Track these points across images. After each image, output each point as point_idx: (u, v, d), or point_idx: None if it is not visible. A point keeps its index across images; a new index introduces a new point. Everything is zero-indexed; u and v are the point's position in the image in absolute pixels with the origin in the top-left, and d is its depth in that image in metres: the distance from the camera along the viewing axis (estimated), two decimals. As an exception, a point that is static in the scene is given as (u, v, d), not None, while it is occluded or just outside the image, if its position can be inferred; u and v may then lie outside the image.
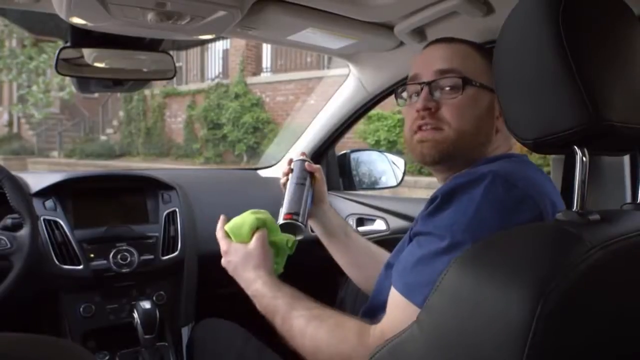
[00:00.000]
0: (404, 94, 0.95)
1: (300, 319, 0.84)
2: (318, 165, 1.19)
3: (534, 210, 0.69)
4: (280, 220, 1.08)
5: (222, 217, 1.05)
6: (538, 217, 0.69)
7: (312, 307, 0.86)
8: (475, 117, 0.85)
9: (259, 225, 1.00)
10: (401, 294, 0.73)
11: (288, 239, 1.02)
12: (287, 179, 1.17)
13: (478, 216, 0.69)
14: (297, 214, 1.08)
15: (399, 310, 0.73)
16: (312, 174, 1.17)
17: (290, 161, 1.20)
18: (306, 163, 1.18)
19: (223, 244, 1.00)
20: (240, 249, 0.97)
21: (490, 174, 0.72)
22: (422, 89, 0.87)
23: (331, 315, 0.83)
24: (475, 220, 0.69)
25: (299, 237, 1.08)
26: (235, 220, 1.02)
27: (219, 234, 1.02)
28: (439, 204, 0.74)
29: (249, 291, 0.95)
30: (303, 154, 1.24)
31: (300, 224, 1.07)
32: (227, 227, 1.02)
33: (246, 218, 1.01)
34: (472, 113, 0.85)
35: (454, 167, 0.87)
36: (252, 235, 0.99)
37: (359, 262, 1.18)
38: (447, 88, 0.86)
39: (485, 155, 0.86)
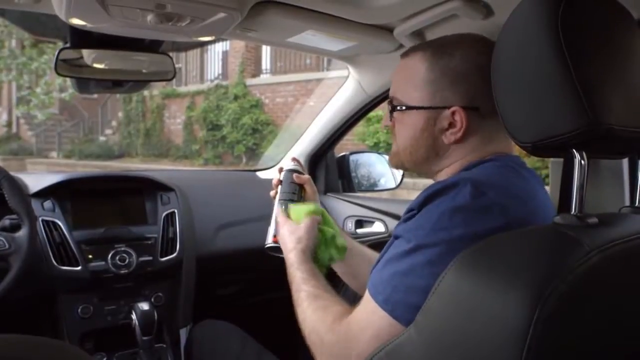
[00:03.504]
0: None
1: (304, 293, 0.91)
2: (307, 176, 1.15)
3: (499, 218, 0.69)
4: (269, 242, 1.08)
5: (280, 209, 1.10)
6: (505, 226, 0.68)
7: (318, 287, 0.92)
8: (410, 137, 0.88)
9: (317, 213, 1.06)
10: (368, 291, 0.76)
11: (336, 234, 1.07)
12: (276, 192, 1.13)
13: (441, 221, 0.70)
14: None
15: (364, 305, 0.76)
16: (301, 186, 1.13)
17: (280, 170, 1.17)
18: (294, 175, 1.13)
19: (281, 220, 1.07)
20: (292, 225, 1.04)
21: (462, 181, 0.73)
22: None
23: (326, 298, 0.89)
24: (438, 225, 0.70)
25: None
26: (299, 204, 1.09)
27: (281, 217, 1.08)
28: (414, 213, 0.76)
29: (286, 259, 1.00)
30: (294, 159, 1.19)
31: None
32: (291, 207, 1.08)
33: (309, 204, 1.08)
34: (405, 134, 0.88)
35: (427, 173, 0.92)
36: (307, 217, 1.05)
37: (354, 271, 1.18)
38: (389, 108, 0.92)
39: (446, 166, 0.87)
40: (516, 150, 0.82)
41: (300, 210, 1.06)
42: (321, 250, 1.04)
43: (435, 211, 0.72)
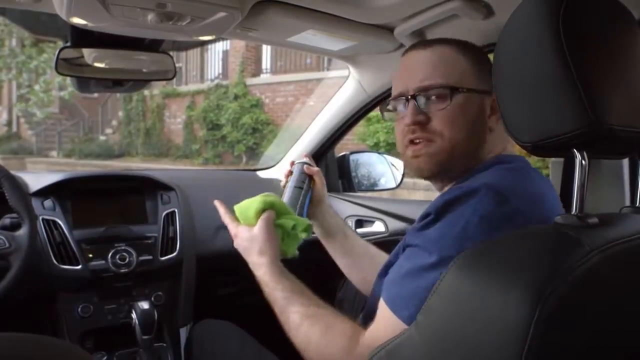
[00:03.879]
0: (390, 107, 0.92)
1: (295, 315, 0.85)
2: (317, 168, 1.19)
3: (521, 226, 0.67)
4: None
5: (218, 203, 1.06)
6: None
7: (309, 304, 0.86)
8: (467, 124, 0.83)
9: (265, 208, 0.99)
10: (387, 306, 0.73)
11: (297, 223, 1.00)
12: (287, 181, 1.18)
13: (466, 231, 0.67)
14: None
15: (384, 321, 0.73)
16: (310, 177, 1.17)
17: (292, 163, 1.21)
18: (305, 166, 1.18)
19: (231, 228, 1.01)
20: (246, 232, 0.97)
21: (483, 188, 0.70)
22: (408, 102, 0.85)
23: (325, 315, 0.84)
24: (463, 235, 0.67)
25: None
26: (243, 202, 1.03)
27: (226, 218, 1.02)
28: (430, 220, 0.73)
29: (256, 276, 0.96)
30: (306, 155, 1.24)
31: None
32: (236, 208, 1.03)
33: (253, 201, 1.00)
34: (464, 120, 0.82)
35: (451, 175, 0.87)
36: (258, 218, 0.98)
37: (357, 264, 1.19)
38: (434, 98, 0.83)
39: (482, 159, 0.84)
40: (516, 149, 0.82)
41: (248, 212, 0.99)
42: (286, 244, 1.01)
43: (459, 219, 0.69)
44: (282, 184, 1.19)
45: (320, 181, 1.18)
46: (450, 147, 0.83)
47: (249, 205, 1.00)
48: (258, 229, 0.96)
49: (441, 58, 0.85)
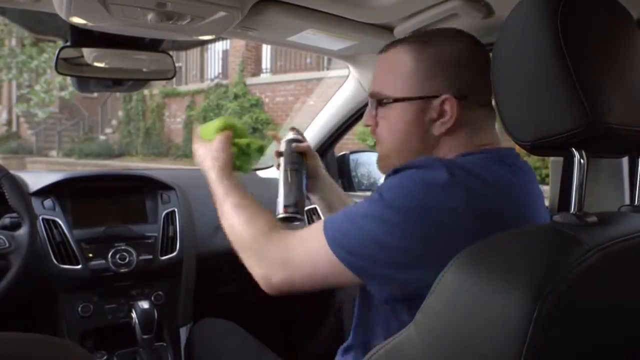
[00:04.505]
0: None
1: (227, 205, 0.95)
2: (306, 143, 1.17)
3: (460, 199, 0.69)
4: (280, 213, 1.09)
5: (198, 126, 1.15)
6: (466, 208, 0.68)
7: (244, 197, 0.96)
8: (399, 132, 0.85)
9: (225, 127, 1.08)
10: (322, 222, 0.78)
11: (251, 142, 1.09)
12: (279, 163, 1.15)
13: (405, 186, 0.71)
14: (290, 205, 1.08)
15: (311, 228, 0.79)
16: (303, 154, 1.15)
17: (278, 138, 1.20)
18: (294, 144, 1.14)
19: (194, 142, 1.11)
20: (205, 145, 1.07)
21: (435, 163, 0.72)
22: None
23: (254, 208, 0.93)
24: (402, 190, 0.71)
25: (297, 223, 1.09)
26: (206, 123, 1.12)
27: (193, 138, 1.12)
28: (389, 174, 0.76)
29: (207, 178, 1.03)
30: (293, 129, 1.20)
31: (293, 214, 1.08)
32: (200, 127, 1.12)
33: (214, 120, 1.11)
34: (401, 128, 0.84)
35: None
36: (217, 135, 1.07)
37: (329, 203, 1.22)
38: (378, 104, 0.87)
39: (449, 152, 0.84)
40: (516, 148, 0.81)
41: (209, 128, 1.09)
42: (241, 161, 1.09)
43: (403, 177, 0.72)
44: (275, 166, 1.18)
45: (312, 154, 1.18)
46: (389, 153, 0.87)
47: (210, 124, 1.10)
48: (216, 141, 1.05)
49: (390, 64, 0.86)
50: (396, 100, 0.84)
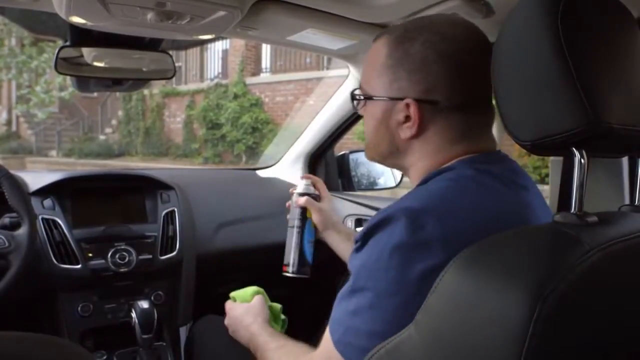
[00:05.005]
0: None
1: (274, 345, 0.93)
2: (304, 198, 1.16)
3: (437, 256, 0.62)
4: (284, 271, 1.17)
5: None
6: (446, 261, 0.56)
7: (284, 339, 0.94)
8: (372, 129, 0.82)
9: (258, 293, 1.12)
10: (329, 326, 0.75)
11: (280, 307, 1.13)
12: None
13: (380, 261, 0.66)
14: (288, 264, 1.15)
15: (324, 342, 0.75)
16: (305, 208, 1.15)
17: (292, 193, 1.20)
18: (297, 198, 1.16)
19: (228, 306, 1.13)
20: (243, 305, 1.09)
21: (399, 213, 0.66)
22: None
23: (290, 344, 0.91)
24: (377, 265, 0.66)
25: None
26: (240, 290, 1.15)
27: (228, 305, 1.13)
28: (359, 245, 0.72)
29: (248, 335, 1.02)
30: (306, 177, 1.20)
31: (293, 274, 1.14)
32: (232, 294, 1.15)
33: (249, 288, 1.14)
34: (368, 125, 0.83)
35: (400, 170, 0.87)
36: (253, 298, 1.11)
37: None
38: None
39: (409, 167, 0.81)
40: (516, 148, 0.81)
41: (244, 294, 1.12)
42: (273, 324, 1.10)
43: (376, 248, 0.67)
44: (288, 218, 1.20)
45: (318, 207, 1.16)
46: (369, 146, 0.85)
47: (245, 290, 1.13)
48: (256, 301, 1.09)
49: (371, 56, 0.82)
50: (366, 97, 0.81)
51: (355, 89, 0.86)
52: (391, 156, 0.82)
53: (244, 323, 1.05)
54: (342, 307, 0.71)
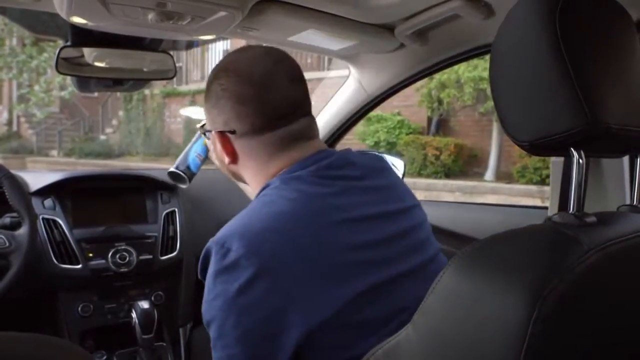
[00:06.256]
0: None
1: None
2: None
3: (247, 268, 0.67)
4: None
5: None
6: (260, 271, 0.67)
7: None
8: (217, 159, 0.91)
9: None
10: None
11: None
12: None
13: (211, 291, 0.71)
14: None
15: None
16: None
17: None
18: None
19: None
20: None
21: (213, 244, 0.73)
22: None
23: None
24: (211, 295, 0.71)
25: (184, 185, 1.27)
26: None
27: None
28: (201, 273, 0.77)
29: None
30: None
31: (173, 169, 1.25)
32: None
33: None
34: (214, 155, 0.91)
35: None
36: None
37: None
38: None
39: (251, 188, 0.87)
40: (515, 149, 0.81)
41: None
42: None
43: (208, 280, 0.73)
44: None
45: None
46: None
47: None
48: None
49: None
50: (201, 127, 0.94)
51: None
52: (236, 178, 0.91)
53: None
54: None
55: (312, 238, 0.70)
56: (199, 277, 0.78)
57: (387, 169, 0.88)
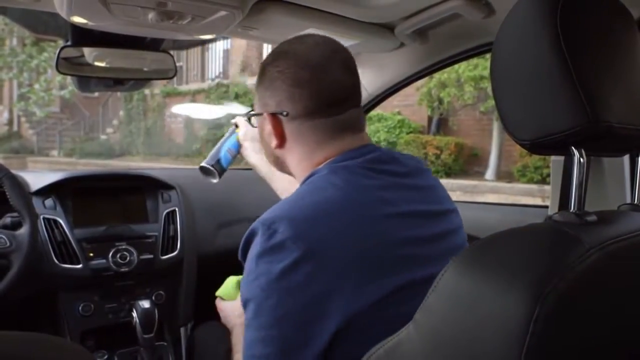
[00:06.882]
0: None
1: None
2: (238, 117, 1.27)
3: (293, 251, 0.67)
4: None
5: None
6: (303, 257, 0.67)
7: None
8: (261, 142, 0.92)
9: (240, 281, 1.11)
10: None
11: None
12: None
13: (253, 272, 0.71)
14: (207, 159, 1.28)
15: None
16: (236, 125, 1.27)
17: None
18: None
19: (218, 306, 1.09)
20: (228, 305, 1.06)
21: (259, 224, 0.72)
22: None
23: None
24: (252, 275, 0.71)
25: (214, 180, 1.28)
26: (222, 287, 1.14)
27: (217, 303, 1.10)
28: (242, 253, 0.76)
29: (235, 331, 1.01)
30: None
31: (204, 164, 1.27)
32: (218, 292, 1.12)
33: (229, 280, 1.13)
34: (260, 138, 0.92)
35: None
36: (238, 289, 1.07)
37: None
38: None
39: (294, 173, 0.88)
40: (516, 148, 0.81)
41: (227, 290, 1.11)
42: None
43: (248, 261, 0.72)
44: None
45: (242, 123, 1.24)
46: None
47: (227, 283, 1.12)
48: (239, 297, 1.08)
49: None
50: (250, 111, 0.93)
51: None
52: (278, 165, 0.91)
53: (237, 321, 1.03)
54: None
55: (360, 228, 0.70)
56: (239, 257, 0.77)
57: (427, 170, 0.89)
